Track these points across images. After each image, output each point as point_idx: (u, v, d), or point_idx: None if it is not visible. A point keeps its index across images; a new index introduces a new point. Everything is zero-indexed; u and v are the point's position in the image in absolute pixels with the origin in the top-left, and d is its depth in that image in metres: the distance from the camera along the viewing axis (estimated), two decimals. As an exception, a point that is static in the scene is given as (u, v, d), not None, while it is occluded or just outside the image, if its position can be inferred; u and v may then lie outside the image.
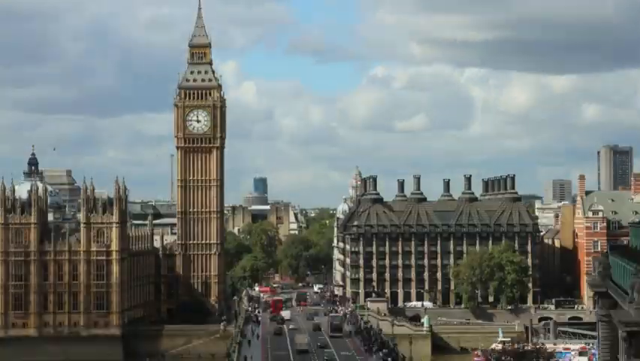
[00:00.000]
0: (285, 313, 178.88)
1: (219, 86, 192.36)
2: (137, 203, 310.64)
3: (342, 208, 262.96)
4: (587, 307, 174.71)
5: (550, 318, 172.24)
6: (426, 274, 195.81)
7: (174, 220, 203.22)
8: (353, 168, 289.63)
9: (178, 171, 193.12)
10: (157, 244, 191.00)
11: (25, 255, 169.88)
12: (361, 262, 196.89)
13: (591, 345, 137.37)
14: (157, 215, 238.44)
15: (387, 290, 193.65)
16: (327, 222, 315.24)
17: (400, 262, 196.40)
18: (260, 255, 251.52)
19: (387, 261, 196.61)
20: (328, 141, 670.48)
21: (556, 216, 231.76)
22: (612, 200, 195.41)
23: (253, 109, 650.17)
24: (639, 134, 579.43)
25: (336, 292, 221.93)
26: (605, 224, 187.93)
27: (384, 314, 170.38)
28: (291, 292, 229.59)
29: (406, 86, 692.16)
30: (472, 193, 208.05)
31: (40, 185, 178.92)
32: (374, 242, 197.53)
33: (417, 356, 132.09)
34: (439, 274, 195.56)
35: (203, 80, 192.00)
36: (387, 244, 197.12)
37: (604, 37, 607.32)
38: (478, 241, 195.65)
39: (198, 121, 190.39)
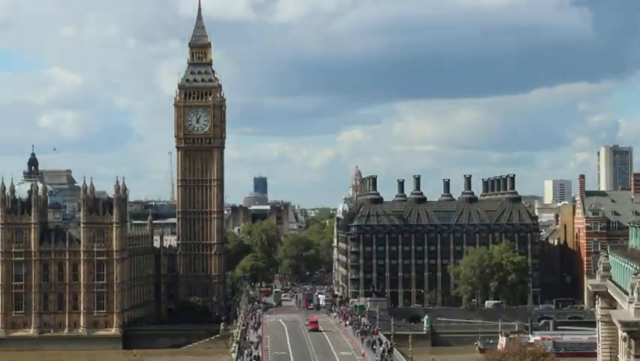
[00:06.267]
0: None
1: (219, 86, 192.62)
2: (137, 203, 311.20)
3: (342, 208, 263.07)
4: (586, 307, 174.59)
5: (551, 318, 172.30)
6: (426, 274, 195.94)
7: (174, 220, 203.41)
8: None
9: (178, 171, 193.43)
10: (157, 244, 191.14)
11: (25, 255, 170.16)
12: (361, 262, 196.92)
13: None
14: (157, 215, 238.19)
15: (387, 290, 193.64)
16: (327, 222, 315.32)
17: (399, 262, 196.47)
18: (260, 255, 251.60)
19: (387, 261, 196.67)
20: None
21: (557, 216, 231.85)
22: (612, 200, 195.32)
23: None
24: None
25: (336, 293, 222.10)
26: (605, 224, 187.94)
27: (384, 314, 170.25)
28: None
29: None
30: (472, 193, 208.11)
31: (40, 185, 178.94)
32: (374, 242, 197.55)
33: (417, 356, 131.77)
34: (439, 274, 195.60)
35: (203, 80, 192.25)
36: (387, 244, 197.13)
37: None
38: (478, 241, 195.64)
39: (198, 121, 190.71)
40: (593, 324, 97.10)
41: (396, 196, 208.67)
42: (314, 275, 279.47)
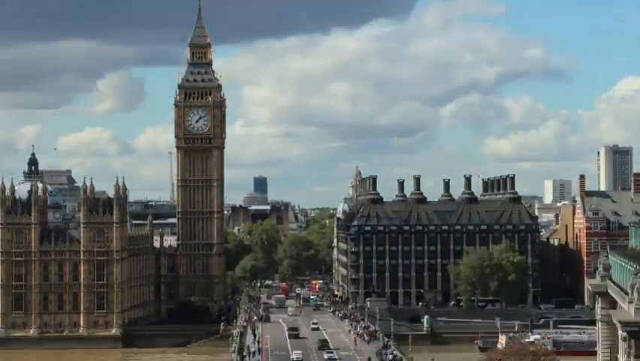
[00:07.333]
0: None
1: (219, 86, 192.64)
2: (137, 203, 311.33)
3: (342, 208, 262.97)
4: (586, 307, 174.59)
5: (551, 318, 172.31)
6: (426, 274, 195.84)
7: (174, 220, 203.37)
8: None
9: (178, 171, 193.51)
10: (157, 244, 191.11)
11: (25, 255, 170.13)
12: (361, 262, 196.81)
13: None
14: (157, 215, 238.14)
15: (387, 290, 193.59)
16: (327, 222, 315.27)
17: (399, 262, 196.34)
18: (260, 255, 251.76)
19: (387, 261, 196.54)
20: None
21: (557, 216, 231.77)
22: (612, 200, 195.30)
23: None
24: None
25: (336, 292, 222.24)
26: (605, 224, 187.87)
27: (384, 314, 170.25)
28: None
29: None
30: (472, 193, 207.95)
31: (40, 185, 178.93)
32: (374, 242, 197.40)
33: (417, 356, 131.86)
34: (439, 274, 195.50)
35: (203, 80, 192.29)
36: (387, 244, 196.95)
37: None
38: (478, 241, 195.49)
39: (198, 121, 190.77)
40: (592, 323, 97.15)
41: (396, 196, 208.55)
42: (314, 275, 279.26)
